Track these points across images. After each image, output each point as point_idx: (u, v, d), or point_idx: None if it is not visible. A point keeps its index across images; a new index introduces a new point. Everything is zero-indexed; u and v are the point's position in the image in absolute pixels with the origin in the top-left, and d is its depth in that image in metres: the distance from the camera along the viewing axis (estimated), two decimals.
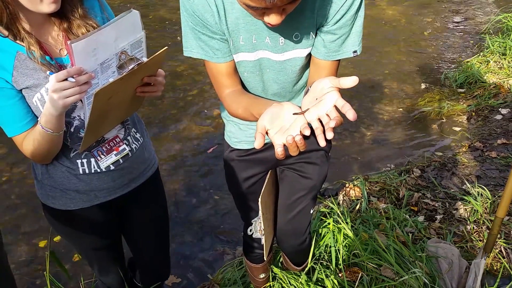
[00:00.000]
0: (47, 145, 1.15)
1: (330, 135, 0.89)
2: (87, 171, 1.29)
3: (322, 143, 0.88)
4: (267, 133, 0.95)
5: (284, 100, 1.28)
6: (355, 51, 1.13)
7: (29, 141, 1.16)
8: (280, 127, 0.95)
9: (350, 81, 0.90)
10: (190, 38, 1.14)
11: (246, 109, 1.15)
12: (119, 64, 1.12)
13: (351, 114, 0.85)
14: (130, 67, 1.07)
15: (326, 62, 1.15)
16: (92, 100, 1.02)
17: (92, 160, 1.28)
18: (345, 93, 4.34)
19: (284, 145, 0.93)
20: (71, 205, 1.33)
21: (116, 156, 1.30)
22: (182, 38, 1.16)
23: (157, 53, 1.07)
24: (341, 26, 1.08)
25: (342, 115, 0.89)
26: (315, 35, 1.12)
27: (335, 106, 0.91)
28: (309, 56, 1.18)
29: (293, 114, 0.94)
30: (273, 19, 0.93)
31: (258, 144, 0.92)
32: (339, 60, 1.16)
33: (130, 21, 1.09)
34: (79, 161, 1.27)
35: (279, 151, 0.92)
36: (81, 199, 1.33)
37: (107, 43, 1.06)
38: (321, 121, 0.92)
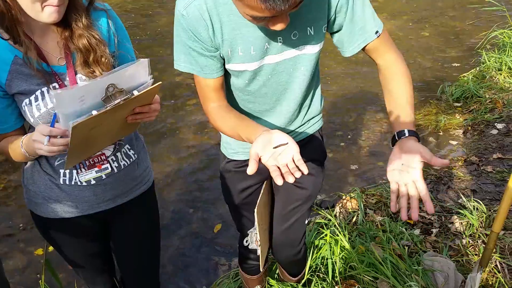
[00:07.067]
0: (21, 157, 1.22)
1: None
2: (67, 182, 1.27)
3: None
4: (260, 159, 0.99)
5: (283, 108, 1.30)
6: (376, 32, 1.17)
7: (6, 144, 1.20)
8: (272, 153, 0.99)
9: (440, 162, 0.99)
10: (180, 52, 1.17)
11: (233, 128, 1.18)
12: (104, 97, 1.02)
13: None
14: (116, 102, 1.00)
15: (369, 44, 1.19)
16: (70, 132, 0.96)
17: (74, 172, 1.26)
18: (342, 106, 4.31)
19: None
20: (51, 213, 1.31)
21: (96, 173, 1.27)
22: (174, 50, 1.18)
23: (148, 88, 1.04)
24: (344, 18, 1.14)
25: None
26: (313, 32, 1.15)
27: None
28: (305, 58, 1.20)
29: (274, 147, 0.99)
30: (280, 26, 0.97)
31: (251, 170, 0.96)
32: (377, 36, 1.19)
33: (136, 70, 1.05)
34: (61, 171, 1.26)
35: (276, 178, 0.95)
36: (62, 209, 1.30)
37: (99, 89, 1.00)
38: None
